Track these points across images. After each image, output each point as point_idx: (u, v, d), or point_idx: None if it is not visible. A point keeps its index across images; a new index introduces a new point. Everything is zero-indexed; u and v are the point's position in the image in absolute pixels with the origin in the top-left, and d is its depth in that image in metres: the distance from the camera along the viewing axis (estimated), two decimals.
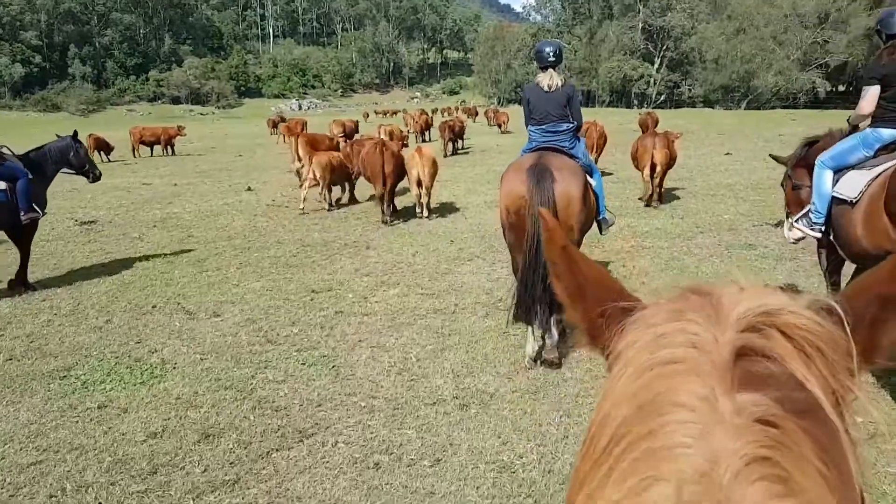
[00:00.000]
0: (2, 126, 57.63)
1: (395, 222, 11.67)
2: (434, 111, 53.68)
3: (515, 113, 45.09)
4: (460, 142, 27.20)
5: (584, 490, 0.59)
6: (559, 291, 0.78)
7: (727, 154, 21.51)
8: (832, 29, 66.65)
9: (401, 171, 11.93)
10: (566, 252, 0.76)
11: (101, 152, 26.25)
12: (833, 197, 4.94)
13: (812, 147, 5.86)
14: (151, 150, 30.43)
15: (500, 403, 4.64)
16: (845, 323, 0.62)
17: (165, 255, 9.50)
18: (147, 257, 9.34)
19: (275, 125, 42.08)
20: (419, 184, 11.59)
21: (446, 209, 12.85)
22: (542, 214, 0.80)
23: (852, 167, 4.85)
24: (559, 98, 5.75)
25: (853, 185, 4.75)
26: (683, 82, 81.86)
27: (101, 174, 8.95)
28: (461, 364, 5.35)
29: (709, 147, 23.61)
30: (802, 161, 5.94)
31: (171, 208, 13.88)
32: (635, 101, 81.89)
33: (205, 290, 7.67)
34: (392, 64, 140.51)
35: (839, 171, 4.94)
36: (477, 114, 52.61)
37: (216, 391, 4.96)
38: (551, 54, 5.82)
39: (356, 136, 21.57)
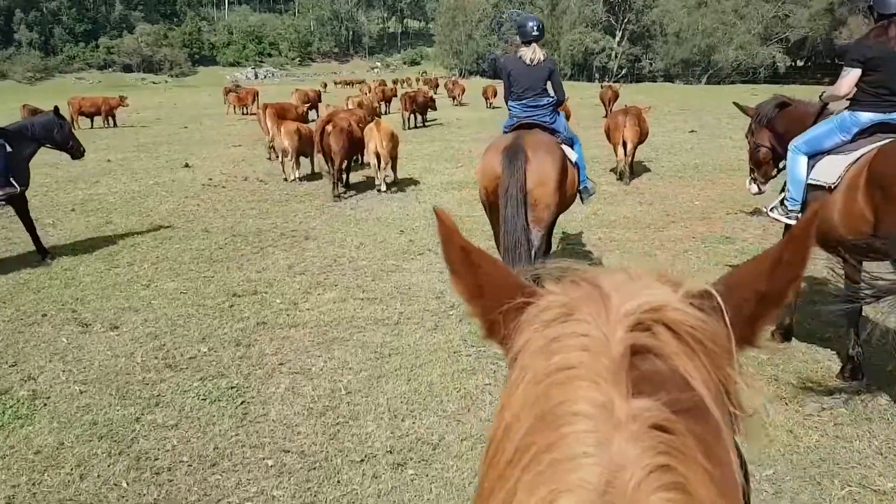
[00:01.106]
0: None
1: (348, 195, 11.23)
2: (395, 82, 52.20)
3: (475, 85, 43.89)
4: (423, 116, 25.75)
5: (494, 499, 0.59)
6: (458, 290, 0.78)
7: (692, 131, 20.80)
8: (793, 3, 66.50)
9: (352, 146, 11.66)
10: (465, 252, 0.77)
11: None
12: (808, 184, 4.77)
13: (782, 110, 5.57)
14: (92, 121, 28.63)
15: (444, 459, 3.70)
16: (725, 315, 0.64)
17: (74, 246, 8.33)
18: (54, 249, 8.15)
19: (229, 94, 40.15)
20: (378, 158, 11.37)
21: (398, 192, 11.83)
22: (438, 214, 0.79)
23: (828, 152, 4.70)
24: (541, 72, 5.85)
25: (831, 169, 4.59)
26: (644, 56, 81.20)
27: (84, 151, 8.68)
28: (400, 398, 4.40)
29: (672, 124, 22.87)
30: (768, 123, 5.69)
31: (97, 188, 12.56)
32: (597, 75, 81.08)
33: (108, 293, 6.57)
34: (351, 33, 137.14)
35: (814, 157, 4.78)
36: (437, 85, 51.18)
37: (88, 441, 3.93)
38: (535, 28, 5.87)
39: (326, 107, 20.15)
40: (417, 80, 62.09)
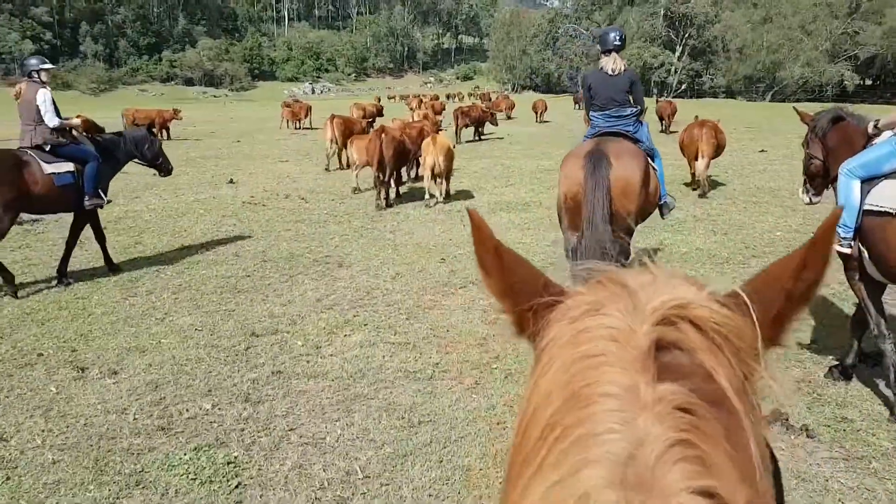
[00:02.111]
0: (10, 102, 56.09)
1: (390, 211, 11.42)
2: (447, 97, 51.83)
3: (527, 100, 42.98)
4: (479, 130, 25.06)
5: (521, 478, 0.61)
6: (489, 288, 0.80)
7: (762, 151, 19.54)
8: (863, 19, 63.73)
9: (401, 156, 12.04)
10: (497, 252, 0.78)
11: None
12: (867, 210, 4.41)
13: (836, 124, 5.12)
14: None
15: None
16: (753, 313, 0.67)
17: (96, 271, 7.79)
18: (73, 273, 7.62)
19: (309, 107, 39.16)
20: (433, 172, 11.48)
21: (441, 214, 11.06)
22: (472, 215, 0.81)
23: (885, 176, 4.36)
24: (622, 83, 5.84)
25: (892, 195, 4.25)
26: (706, 72, 79.07)
27: (172, 169, 8.90)
28: (428, 488, 3.56)
29: (739, 143, 21.55)
30: (823, 136, 5.25)
31: (134, 205, 12.15)
32: (655, 90, 79.28)
33: (117, 329, 5.94)
34: (406, 48, 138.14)
35: (868, 181, 4.44)
36: (490, 99, 50.60)
37: None
38: (617, 38, 5.90)
39: (392, 120, 19.78)
40: (470, 94, 61.61)
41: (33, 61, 7.29)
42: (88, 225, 7.67)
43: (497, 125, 25.23)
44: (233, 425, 4.23)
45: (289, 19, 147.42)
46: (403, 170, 13.63)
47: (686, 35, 79.49)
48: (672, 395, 0.57)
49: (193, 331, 5.88)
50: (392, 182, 12.35)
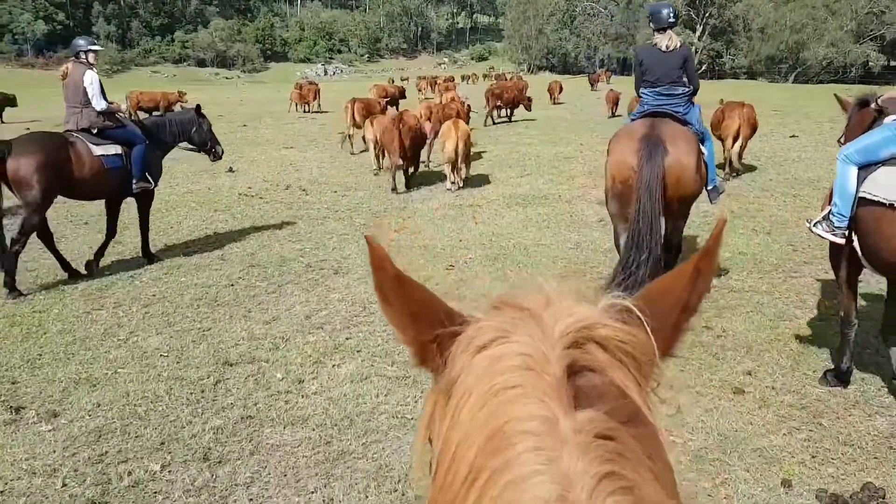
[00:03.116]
0: (24, 84, 55.64)
1: (405, 193, 11.33)
2: (463, 78, 50.68)
3: (543, 81, 41.55)
4: (511, 113, 24.27)
5: None
6: (389, 318, 0.79)
7: (793, 136, 18.41)
8: None
9: (419, 143, 11.98)
10: (398, 280, 0.77)
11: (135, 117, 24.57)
12: (861, 198, 4.18)
13: (861, 109, 4.81)
14: (150, 115, 28.09)
15: None
16: (646, 327, 0.69)
17: (62, 280, 6.94)
18: (39, 278, 6.82)
19: (318, 89, 37.47)
20: (453, 157, 11.17)
21: (452, 208, 10.15)
22: (369, 241, 0.78)
23: (882, 163, 4.12)
24: (675, 60, 5.70)
25: (890, 182, 4.01)
26: (726, 52, 77.05)
27: (223, 152, 8.46)
28: None
29: (768, 127, 20.33)
30: (849, 125, 4.97)
31: None
32: None
33: (71, 353, 5.11)
34: (420, 28, 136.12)
35: (865, 168, 4.20)
36: (505, 80, 49.30)
37: None
38: (670, 15, 5.77)
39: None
40: (485, 76, 60.27)
41: (81, 42, 7.10)
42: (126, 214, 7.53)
43: (531, 111, 24.05)
44: (182, 498, 3.38)
45: None
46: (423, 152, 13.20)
47: (707, 14, 77.33)
48: (591, 424, 0.58)
49: (158, 357, 5.04)
50: (408, 168, 12.02)
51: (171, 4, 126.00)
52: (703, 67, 76.62)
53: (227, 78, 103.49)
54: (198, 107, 8.08)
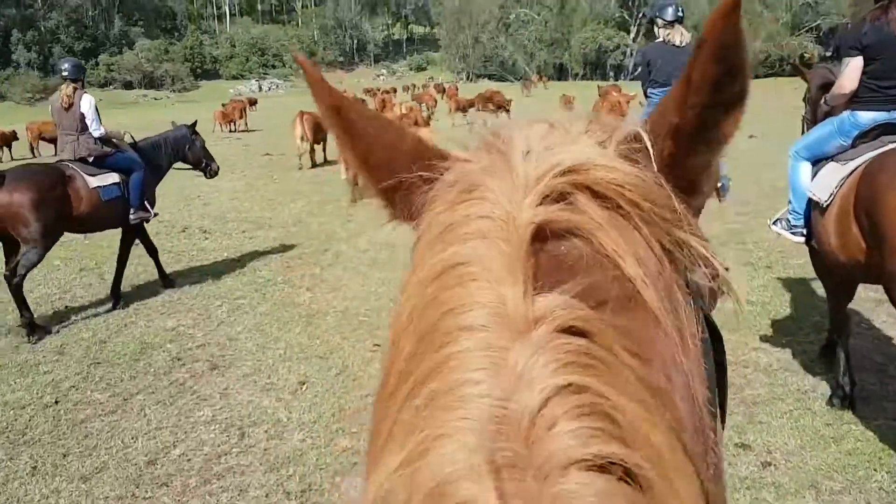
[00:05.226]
0: None
1: None
2: (405, 89, 49.27)
3: (480, 89, 40.08)
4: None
5: (378, 440, 0.47)
6: (346, 160, 0.66)
7: (751, 137, 17.10)
8: None
9: None
10: (339, 113, 0.62)
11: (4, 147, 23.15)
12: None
13: (824, 93, 4.34)
14: (55, 146, 25.42)
15: None
16: (652, 157, 0.53)
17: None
18: None
19: (244, 107, 34.26)
20: None
21: (384, 248, 8.23)
22: (298, 59, 0.62)
23: (831, 158, 3.98)
24: (685, 56, 4.48)
25: (825, 184, 3.88)
26: None
27: (218, 169, 8.23)
28: None
29: None
30: (814, 104, 4.67)
31: None
32: (611, 73, 77.37)
33: None
34: (356, 41, 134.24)
35: (818, 163, 4.07)
36: (444, 91, 47.72)
37: None
38: (678, 10, 5.82)
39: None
40: (424, 86, 58.76)
41: (73, 64, 6.74)
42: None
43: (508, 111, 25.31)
44: None
45: (230, 15, 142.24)
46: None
47: (640, 14, 77.61)
48: (554, 313, 0.42)
49: None
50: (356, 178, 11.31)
51: (94, 28, 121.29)
52: (640, 69, 76.82)
53: (155, 98, 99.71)
54: (194, 123, 7.77)
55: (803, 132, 4.89)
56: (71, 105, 6.35)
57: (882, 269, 3.33)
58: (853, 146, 3.91)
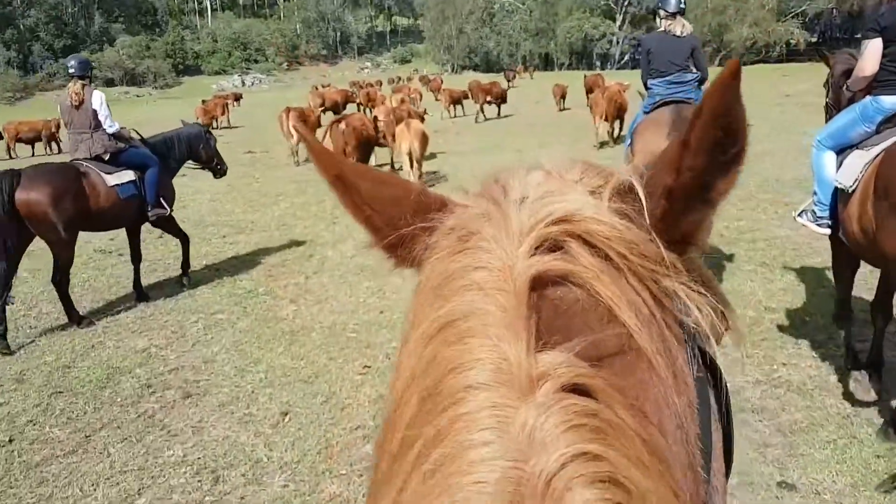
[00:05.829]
0: None
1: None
2: (390, 81, 48.77)
3: (465, 81, 39.57)
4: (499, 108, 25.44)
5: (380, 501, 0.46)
6: (351, 215, 0.66)
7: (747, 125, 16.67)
8: None
9: (367, 147, 12.13)
10: (342, 180, 0.64)
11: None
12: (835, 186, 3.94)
13: (847, 78, 4.27)
14: (33, 147, 24.97)
15: None
16: (645, 215, 0.53)
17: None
18: None
19: (226, 103, 33.51)
20: (411, 158, 11.13)
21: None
22: (299, 130, 0.68)
23: (855, 146, 3.85)
24: (686, 46, 5.71)
25: (850, 170, 3.76)
26: None
27: (227, 169, 8.28)
28: None
29: None
30: (836, 91, 4.60)
31: None
32: (597, 63, 76.88)
33: None
34: (339, 34, 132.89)
35: (842, 152, 3.95)
36: (429, 82, 47.11)
37: None
38: (682, 0, 5.75)
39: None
40: (409, 78, 58.08)
41: (81, 60, 6.57)
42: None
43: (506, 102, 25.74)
44: None
45: (212, 10, 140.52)
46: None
47: (626, 3, 77.14)
48: (558, 369, 0.43)
49: None
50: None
51: (74, 25, 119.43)
52: (626, 57, 76.40)
53: (137, 95, 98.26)
54: (207, 125, 7.81)
55: (827, 119, 4.80)
56: (81, 102, 6.21)
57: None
58: (878, 132, 3.83)
